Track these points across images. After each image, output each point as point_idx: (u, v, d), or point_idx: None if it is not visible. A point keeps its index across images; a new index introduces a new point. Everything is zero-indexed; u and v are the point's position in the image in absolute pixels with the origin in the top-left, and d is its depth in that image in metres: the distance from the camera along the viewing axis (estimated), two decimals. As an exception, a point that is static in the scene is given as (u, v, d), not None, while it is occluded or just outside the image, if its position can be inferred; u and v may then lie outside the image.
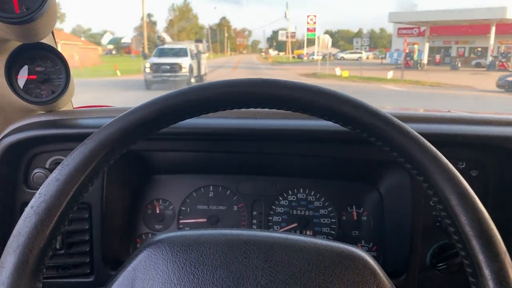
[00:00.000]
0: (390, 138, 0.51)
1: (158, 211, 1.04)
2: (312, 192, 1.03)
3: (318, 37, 28.35)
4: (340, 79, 23.03)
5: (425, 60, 30.96)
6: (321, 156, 0.94)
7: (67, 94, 0.93)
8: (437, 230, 0.88)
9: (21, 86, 0.89)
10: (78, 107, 1.10)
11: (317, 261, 0.54)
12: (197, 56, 18.58)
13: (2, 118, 0.98)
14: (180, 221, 1.04)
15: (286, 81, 0.52)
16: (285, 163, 1.01)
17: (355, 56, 54.70)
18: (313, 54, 65.75)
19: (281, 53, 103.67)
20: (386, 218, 0.97)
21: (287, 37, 76.35)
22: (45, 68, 0.90)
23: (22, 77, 0.89)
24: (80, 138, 0.85)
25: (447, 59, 37.02)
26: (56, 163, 0.90)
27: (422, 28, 36.71)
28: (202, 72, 19.11)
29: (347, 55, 56.47)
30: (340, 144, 0.91)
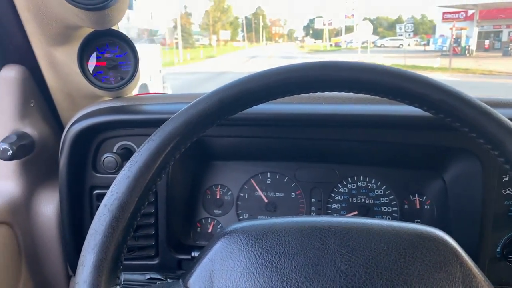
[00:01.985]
0: (461, 113, 0.50)
1: (217, 197, 1.05)
2: (373, 180, 1.00)
3: (357, 24, 26.84)
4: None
5: (473, 46, 28.98)
6: (386, 142, 0.91)
7: (135, 80, 0.95)
8: (509, 220, 0.85)
9: (92, 73, 0.91)
10: (137, 94, 1.09)
11: (396, 243, 0.53)
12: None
13: (70, 103, 1.02)
14: (239, 207, 1.04)
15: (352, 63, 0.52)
16: (345, 150, 0.98)
17: (396, 43, 52.62)
18: (351, 41, 63.98)
19: (318, 41, 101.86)
20: (451, 207, 0.93)
21: (324, 24, 74.60)
22: (114, 55, 0.92)
23: (92, 64, 0.91)
24: (146, 124, 0.89)
25: (497, 44, 34.69)
26: (124, 148, 0.92)
27: (470, 12, 34.48)
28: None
29: (387, 42, 54.37)
30: (405, 129, 0.88)
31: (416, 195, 0.99)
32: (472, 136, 0.51)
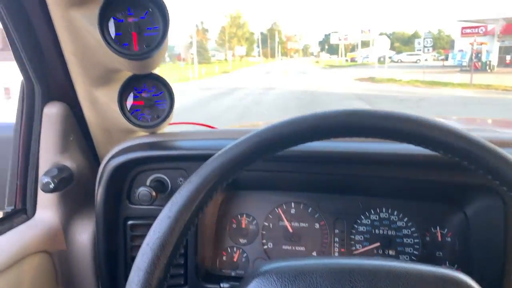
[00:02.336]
0: (485, 162, 0.53)
1: (243, 226, 1.07)
2: (395, 212, 1.02)
3: (374, 39, 26.46)
4: (400, 84, 21.24)
5: (494, 62, 28.22)
6: (408, 179, 0.94)
7: (170, 118, 1.01)
8: None
9: (129, 111, 0.98)
10: (173, 123, 1.15)
11: (422, 287, 0.55)
12: None
13: (107, 137, 1.09)
14: (264, 237, 1.06)
15: (370, 111, 0.56)
16: (368, 183, 1.00)
17: (413, 58, 52.01)
18: (367, 56, 63.53)
19: (333, 56, 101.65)
20: (473, 240, 0.94)
21: (339, 39, 74.35)
22: (151, 94, 0.98)
23: (129, 102, 0.98)
24: (179, 159, 0.95)
25: (519, 59, 33.74)
26: (157, 180, 0.98)
27: (490, 27, 33.73)
28: None
29: (404, 57, 53.78)
30: (426, 167, 0.90)
31: (438, 227, 0.99)
32: (496, 183, 0.54)
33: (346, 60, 70.93)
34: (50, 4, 0.80)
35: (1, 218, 0.97)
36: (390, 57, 47.78)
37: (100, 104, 0.98)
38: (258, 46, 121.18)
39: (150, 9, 0.80)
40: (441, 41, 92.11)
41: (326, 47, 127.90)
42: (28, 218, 0.99)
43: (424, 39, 22.18)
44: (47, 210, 0.99)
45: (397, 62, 51.94)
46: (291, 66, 57.88)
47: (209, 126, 1.27)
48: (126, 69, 0.89)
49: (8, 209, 1.01)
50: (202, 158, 0.84)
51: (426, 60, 32.32)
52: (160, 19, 0.80)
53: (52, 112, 0.96)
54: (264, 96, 16.51)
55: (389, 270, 0.57)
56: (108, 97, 0.97)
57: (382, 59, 32.26)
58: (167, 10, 0.79)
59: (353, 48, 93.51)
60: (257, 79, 27.39)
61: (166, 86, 0.96)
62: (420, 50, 23.10)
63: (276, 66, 60.07)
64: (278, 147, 0.57)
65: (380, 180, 0.97)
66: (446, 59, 42.15)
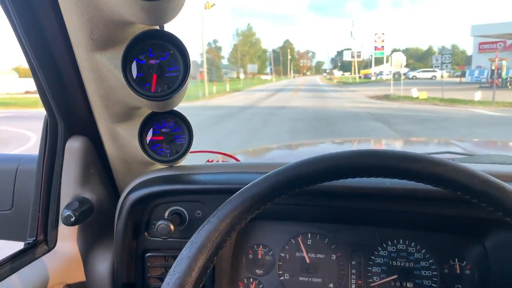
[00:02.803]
0: (503, 204, 0.54)
1: (259, 256, 1.07)
2: (413, 244, 1.01)
3: (388, 56, 25.52)
4: (417, 102, 20.27)
5: (515, 78, 27.05)
6: (425, 213, 0.94)
7: (188, 153, 1.05)
8: None
9: (149, 145, 1.02)
10: (193, 151, 1.16)
11: None
12: None
13: (126, 169, 1.12)
14: (280, 268, 1.07)
15: (389, 152, 0.60)
16: (385, 215, 1.01)
17: (429, 74, 50.93)
18: (380, 73, 62.64)
19: (346, 74, 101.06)
20: (493, 272, 0.93)
21: (352, 56, 73.85)
22: (170, 129, 1.02)
23: (149, 137, 1.02)
24: (196, 192, 0.98)
25: (540, 75, 32.54)
26: (174, 213, 1.01)
27: (508, 42, 32.67)
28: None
29: (419, 74, 52.76)
30: (445, 202, 0.91)
31: (456, 259, 0.98)
32: None
33: (359, 77, 70.17)
34: (76, 47, 0.84)
35: (23, 249, 1.00)
36: (404, 74, 46.69)
37: (121, 138, 1.02)
38: (270, 64, 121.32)
39: (171, 51, 0.84)
40: (456, 57, 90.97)
41: (339, 64, 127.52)
42: (49, 250, 1.02)
43: (442, 55, 21.20)
44: (67, 241, 1.02)
45: (412, 78, 50.82)
46: (303, 84, 57.21)
47: (227, 155, 1.29)
48: (147, 107, 0.92)
49: (30, 240, 1.04)
50: (218, 192, 0.95)
51: (442, 76, 31.25)
52: (180, 60, 0.84)
53: (74, 146, 1.00)
54: (273, 117, 15.69)
55: None
56: (128, 132, 1.00)
57: (397, 76, 31.33)
58: (187, 53, 0.83)
59: (366, 65, 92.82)
60: (264, 98, 26.41)
61: (185, 121, 1.00)
62: (437, 66, 22.15)
63: (287, 84, 59.46)
64: (296, 187, 0.59)
65: (398, 213, 0.97)
66: (463, 75, 40.93)
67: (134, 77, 0.83)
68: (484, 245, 0.94)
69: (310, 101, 24.08)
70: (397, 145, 2.67)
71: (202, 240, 0.54)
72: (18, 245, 1.04)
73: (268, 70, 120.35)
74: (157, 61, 0.83)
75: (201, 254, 0.53)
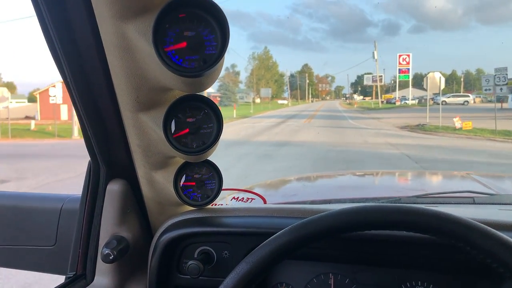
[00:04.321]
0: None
1: None
2: (431, 286, 1.05)
3: (426, 76, 20.91)
4: (462, 134, 15.59)
5: None
6: (445, 257, 0.99)
7: (218, 196, 1.17)
8: None
9: (182, 190, 1.13)
10: (224, 189, 1.24)
11: None
12: None
13: (160, 209, 1.22)
14: None
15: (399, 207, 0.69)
16: (403, 257, 1.05)
17: (460, 99, 45.97)
18: (404, 97, 57.89)
19: (367, 98, 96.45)
20: None
21: (373, 81, 69.67)
22: (202, 175, 1.12)
23: (182, 182, 1.12)
24: (224, 234, 1.08)
25: None
26: (203, 252, 1.10)
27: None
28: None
29: (449, 99, 47.73)
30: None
31: None
32: None
33: (382, 102, 65.48)
34: (122, 106, 0.97)
35: (64, 283, 1.10)
36: (432, 99, 42.01)
37: (157, 183, 1.12)
38: (287, 88, 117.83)
39: (206, 110, 0.96)
40: (480, 82, 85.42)
41: (359, 88, 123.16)
42: (87, 284, 1.12)
43: (495, 75, 16.65)
44: (104, 277, 1.11)
45: (442, 104, 45.95)
46: (321, 110, 52.93)
47: (253, 193, 1.38)
48: (183, 158, 1.04)
49: (70, 274, 1.14)
50: (244, 234, 1.05)
51: (474, 102, 26.54)
52: (214, 119, 0.96)
53: (114, 189, 1.11)
54: (265, 161, 11.27)
55: None
56: (164, 178, 1.10)
57: (423, 100, 26.80)
58: (221, 114, 0.95)
59: (387, 90, 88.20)
60: (261, 132, 21.71)
61: (215, 168, 1.11)
62: (488, 90, 17.50)
63: (303, 109, 55.24)
64: (320, 238, 0.66)
65: (415, 254, 1.02)
66: (505, 100, 35.88)
67: (172, 131, 0.95)
68: None
69: (323, 133, 19.70)
70: (419, 180, 2.64)
71: (233, 282, 0.63)
72: (60, 279, 1.15)
73: (286, 94, 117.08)
74: (193, 119, 0.95)
75: None
